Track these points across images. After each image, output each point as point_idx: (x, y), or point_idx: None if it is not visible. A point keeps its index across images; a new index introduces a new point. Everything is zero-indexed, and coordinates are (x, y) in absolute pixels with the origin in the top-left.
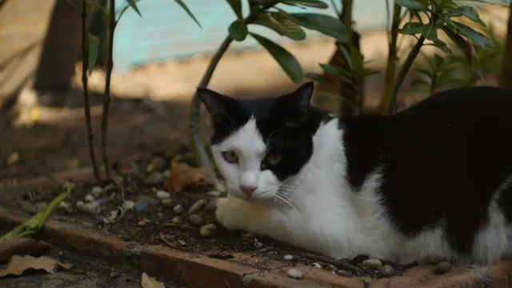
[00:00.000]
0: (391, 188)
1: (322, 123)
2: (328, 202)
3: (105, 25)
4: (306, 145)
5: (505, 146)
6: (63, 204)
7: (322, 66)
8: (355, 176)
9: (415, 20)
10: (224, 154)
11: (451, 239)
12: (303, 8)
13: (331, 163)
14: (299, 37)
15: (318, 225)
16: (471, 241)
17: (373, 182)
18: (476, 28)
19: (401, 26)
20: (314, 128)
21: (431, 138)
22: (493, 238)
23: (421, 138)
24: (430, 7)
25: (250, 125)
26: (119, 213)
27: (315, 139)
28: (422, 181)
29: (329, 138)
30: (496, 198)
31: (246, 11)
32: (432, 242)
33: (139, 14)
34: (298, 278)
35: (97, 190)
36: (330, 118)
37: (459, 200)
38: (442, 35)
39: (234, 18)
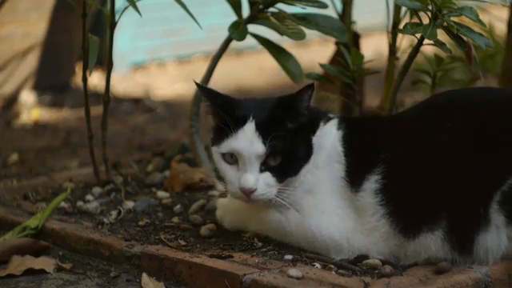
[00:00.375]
0: (391, 189)
1: (321, 124)
2: (327, 202)
3: (105, 25)
4: (306, 146)
5: (505, 147)
6: (63, 204)
7: (321, 66)
8: (354, 177)
9: (415, 20)
10: (223, 155)
11: (452, 241)
12: (303, 8)
13: (330, 164)
14: (299, 37)
15: (316, 225)
16: (472, 242)
17: (372, 183)
18: (476, 28)
19: (401, 26)
20: (313, 129)
21: (431, 138)
22: (493, 239)
23: (421, 138)
24: (430, 7)
25: (250, 126)
26: (119, 213)
27: (315, 140)
28: (422, 182)
29: (328, 138)
30: (497, 200)
31: (246, 11)
32: (433, 243)
33: (139, 13)
34: (298, 278)
35: (97, 189)
36: (329, 119)
37: (460, 201)
38: (442, 35)
39: (234, 17)
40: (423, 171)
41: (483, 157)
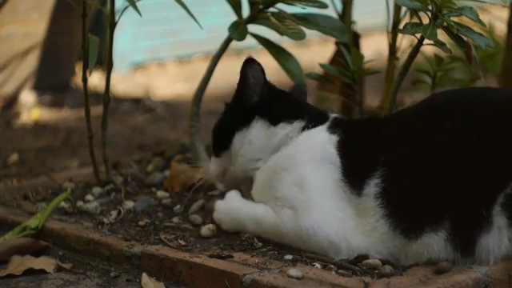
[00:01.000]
0: (391, 190)
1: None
2: (321, 203)
3: (105, 25)
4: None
5: (507, 149)
6: (63, 204)
7: (321, 65)
8: (355, 181)
9: (415, 20)
10: None
11: (455, 242)
12: (303, 8)
13: (322, 164)
14: (299, 37)
15: (311, 226)
16: (474, 243)
17: (372, 186)
18: (476, 28)
19: (401, 26)
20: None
21: (431, 139)
22: (495, 240)
23: (420, 139)
24: (430, 7)
25: None
26: (119, 213)
27: (277, 132)
28: (424, 183)
29: (314, 141)
30: (500, 202)
31: (246, 11)
32: (436, 244)
33: (139, 13)
34: (298, 278)
35: (97, 189)
36: (318, 123)
37: (462, 203)
38: (442, 35)
39: (234, 18)
40: (424, 172)
41: (485, 158)
